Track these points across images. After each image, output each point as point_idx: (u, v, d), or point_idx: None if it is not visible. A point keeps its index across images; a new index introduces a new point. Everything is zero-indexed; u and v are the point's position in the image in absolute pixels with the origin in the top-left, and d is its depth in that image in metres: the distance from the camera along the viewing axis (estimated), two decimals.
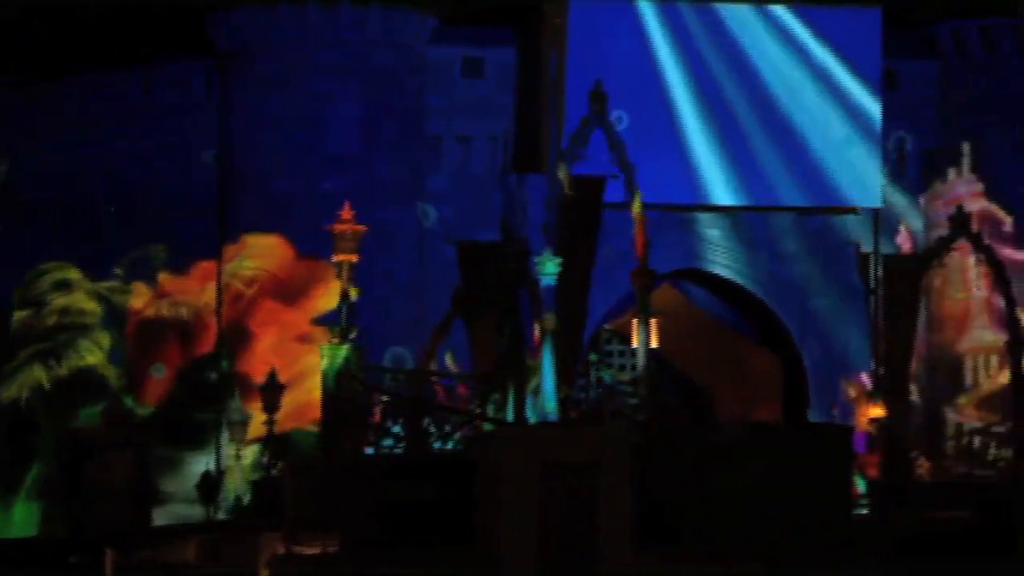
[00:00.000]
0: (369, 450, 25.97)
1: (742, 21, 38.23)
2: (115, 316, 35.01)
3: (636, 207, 30.64)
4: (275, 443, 28.79)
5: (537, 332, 28.12)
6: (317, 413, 26.35)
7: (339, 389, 24.88)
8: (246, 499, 29.50)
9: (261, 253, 35.39)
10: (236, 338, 34.59)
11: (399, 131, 37.55)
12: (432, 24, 38.00)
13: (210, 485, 30.24)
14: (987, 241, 35.45)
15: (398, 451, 26.17)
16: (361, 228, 26.80)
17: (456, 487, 22.26)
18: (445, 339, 31.30)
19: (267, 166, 36.89)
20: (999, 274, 34.58)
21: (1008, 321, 33.98)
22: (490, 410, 27.60)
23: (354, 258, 26.63)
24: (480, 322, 29.91)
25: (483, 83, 38.67)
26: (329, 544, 22.65)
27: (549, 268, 27.95)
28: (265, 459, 29.31)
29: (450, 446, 26.13)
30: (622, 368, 37.55)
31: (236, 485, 30.78)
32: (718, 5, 38.23)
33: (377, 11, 37.23)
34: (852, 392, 37.03)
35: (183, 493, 31.79)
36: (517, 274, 29.25)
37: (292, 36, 37.02)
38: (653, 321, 30.56)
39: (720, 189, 38.27)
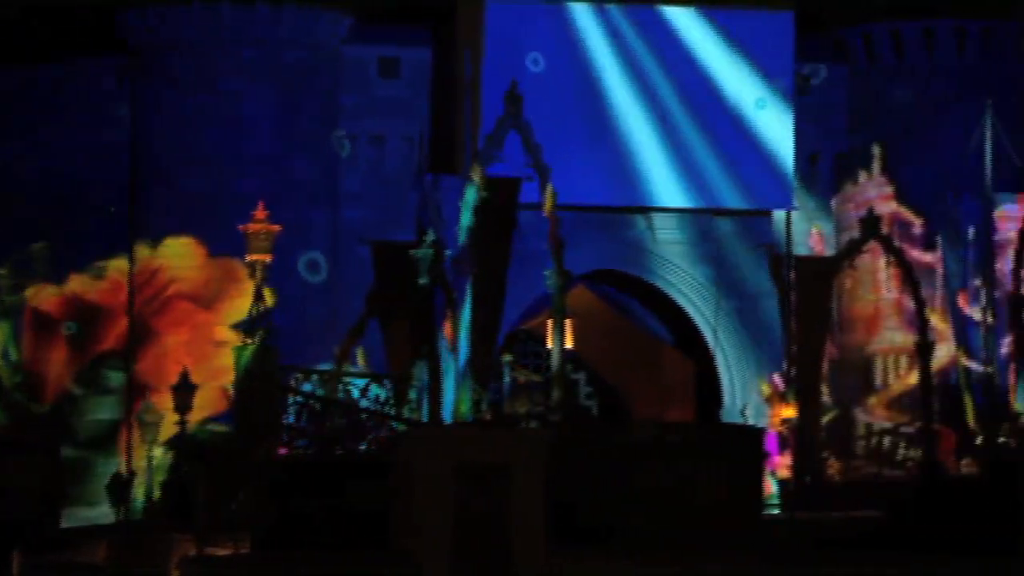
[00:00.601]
0: (282, 451, 25.83)
1: (657, 23, 38.43)
2: (8, 314, 34.62)
3: (549, 207, 30.71)
4: (186, 444, 28.54)
5: (448, 331, 28.12)
6: (229, 414, 26.17)
7: (251, 390, 24.73)
8: (157, 500, 29.23)
9: (173, 253, 35.10)
10: (146, 338, 34.26)
11: (314, 131, 37.39)
12: (347, 23, 37.88)
13: (120, 486, 29.92)
14: (897, 243, 35.92)
15: (311, 452, 26.03)
16: (275, 228, 26.68)
17: (370, 488, 22.20)
18: (359, 339, 31.20)
19: (180, 165, 36.59)
20: (908, 276, 35.04)
21: (917, 322, 34.45)
22: (405, 411, 27.55)
23: (268, 258, 26.49)
24: (394, 322, 29.85)
25: (398, 83, 38.60)
26: (241, 546, 22.50)
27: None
28: (176, 460, 29.05)
29: (363, 447, 26.03)
30: (537, 369, 37.62)
31: (147, 486, 30.49)
32: (633, 7, 38.40)
33: (291, 10, 37.05)
34: (764, 393, 37.32)
35: (87, 495, 31.45)
36: (431, 274, 29.22)
37: (206, 35, 36.76)
38: (568, 322, 30.64)
39: (634, 190, 38.43)
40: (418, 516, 20.59)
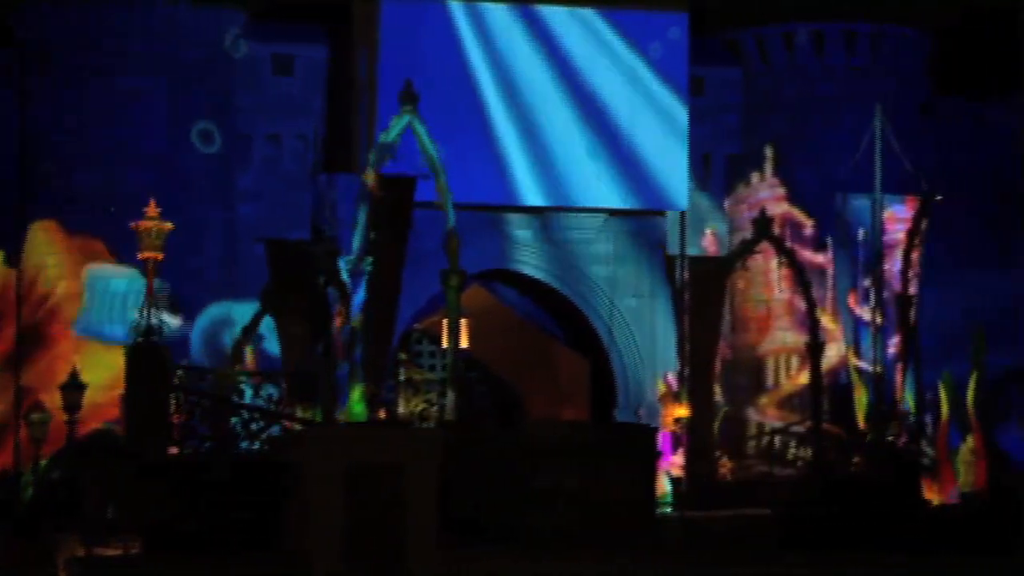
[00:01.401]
0: (173, 451, 25.58)
1: (554, 24, 38.57)
2: None
3: (446, 207, 30.70)
4: (77, 443, 28.20)
5: (338, 326, 28.03)
6: (119, 413, 25.89)
7: (143, 389, 24.49)
8: (45, 500, 28.82)
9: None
10: (35, 337, 33.83)
11: (208, 128, 37.08)
12: (241, 21, 37.60)
13: (7, 485, 29.49)
14: (789, 244, 36.34)
15: (204, 452, 25.80)
16: (167, 225, 26.42)
17: (264, 488, 22.06)
18: (253, 338, 30.98)
19: (73, 161, 36.13)
20: (800, 276, 35.48)
21: (808, 323, 34.88)
22: (298, 410, 27.40)
23: (159, 256, 26.25)
24: (289, 321, 29.68)
25: (293, 81, 38.41)
26: (131, 546, 22.26)
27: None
28: (64, 459, 28.68)
29: (257, 447, 25.86)
30: (431, 368, 37.60)
31: (33, 486, 30.07)
32: (531, 7, 38.50)
33: (186, 7, 36.72)
34: (658, 392, 37.57)
35: None
36: (326, 273, 29.10)
37: (100, 32, 36.33)
38: (463, 321, 30.65)
39: (531, 190, 38.54)
40: (311, 516, 20.50)
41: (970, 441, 33.32)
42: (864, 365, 35.63)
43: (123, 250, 32.10)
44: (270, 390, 27.89)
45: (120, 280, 33.93)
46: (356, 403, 26.77)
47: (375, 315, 28.62)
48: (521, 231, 39.03)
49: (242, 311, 31.68)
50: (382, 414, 28.06)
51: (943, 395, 33.19)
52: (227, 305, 35.44)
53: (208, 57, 37.18)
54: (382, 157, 29.76)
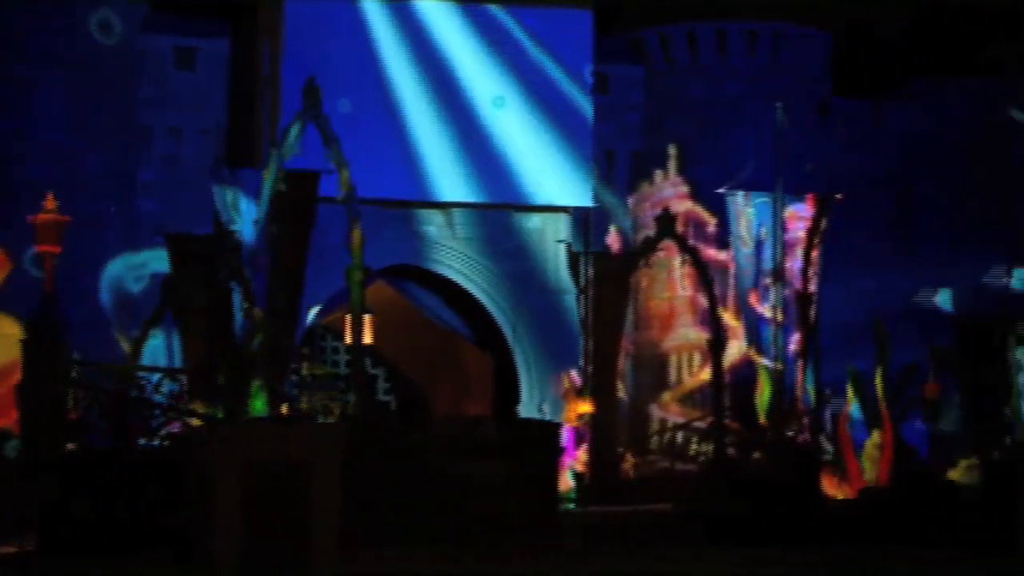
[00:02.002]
0: (70, 447, 25.24)
1: (459, 19, 38.52)
2: None
3: (350, 202, 30.55)
4: None
5: (240, 322, 27.79)
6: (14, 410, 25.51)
7: (39, 384, 24.15)
8: None
9: None
10: None
11: (108, 121, 36.64)
12: (143, 12, 37.19)
13: None
14: (692, 242, 36.61)
15: (101, 448, 25.48)
16: (65, 219, 26.11)
17: (163, 486, 21.82)
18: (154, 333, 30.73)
19: None
20: (703, 274, 35.74)
21: (710, 320, 35.15)
22: (199, 406, 27.13)
23: (57, 249, 25.93)
24: (191, 316, 29.41)
25: (195, 75, 38.05)
26: (27, 546, 21.93)
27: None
28: None
29: (156, 444, 25.59)
30: (335, 365, 37.42)
31: None
32: (436, 2, 38.44)
33: None
34: (562, 388, 37.67)
35: None
36: (229, 268, 28.84)
37: None
38: (367, 318, 30.52)
39: (437, 185, 38.49)
40: (212, 515, 20.28)
41: (875, 436, 33.70)
42: (765, 362, 35.97)
43: (18, 244, 31.66)
44: (171, 386, 27.62)
45: None
46: (256, 399, 26.55)
47: (276, 310, 28.42)
48: (427, 227, 38.98)
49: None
50: (284, 410, 27.88)
51: (849, 390, 33.56)
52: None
53: (109, 49, 36.72)
54: (283, 153, 29.56)
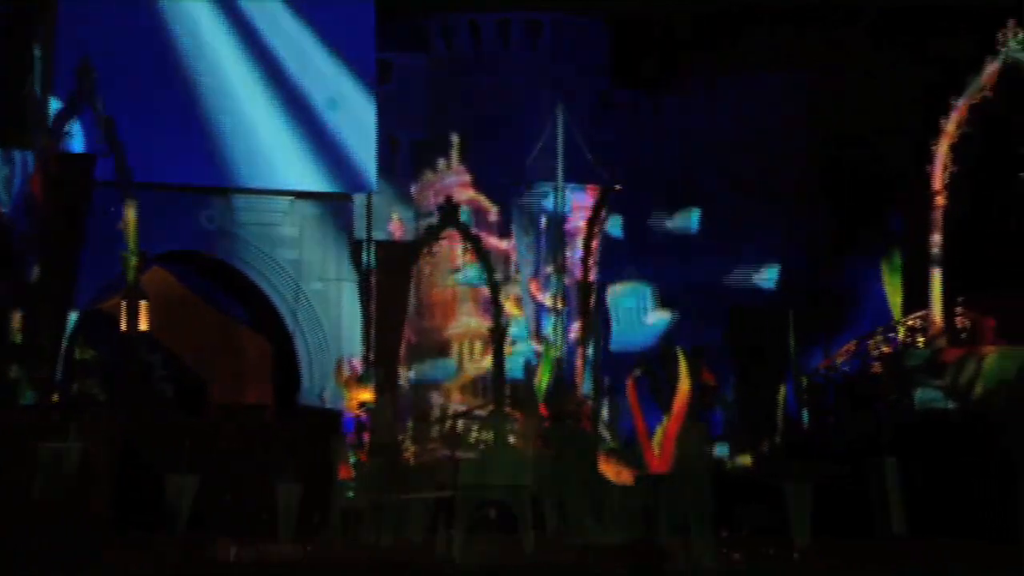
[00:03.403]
0: None
1: (240, 7, 38.09)
2: None
3: (124, 186, 30.06)
4: None
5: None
6: None
7: None
8: None
9: None
10: None
11: None
12: None
13: None
14: (474, 230, 36.81)
15: None
16: None
17: None
18: None
19: None
20: (484, 262, 35.97)
21: (492, 308, 35.41)
22: None
23: None
24: None
25: None
26: None
27: None
28: None
29: None
30: (110, 351, 36.66)
31: None
32: None
33: None
34: (342, 376, 37.53)
35: None
36: None
37: None
38: (143, 303, 30.05)
39: (218, 170, 38.00)
40: None
41: (665, 422, 34.18)
42: (539, 348, 36.34)
43: None
44: None
45: None
46: (25, 387, 25.99)
47: (49, 295, 27.81)
48: (206, 211, 38.44)
49: None
50: (55, 398, 27.29)
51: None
52: None
53: None
54: (57, 135, 28.92)
